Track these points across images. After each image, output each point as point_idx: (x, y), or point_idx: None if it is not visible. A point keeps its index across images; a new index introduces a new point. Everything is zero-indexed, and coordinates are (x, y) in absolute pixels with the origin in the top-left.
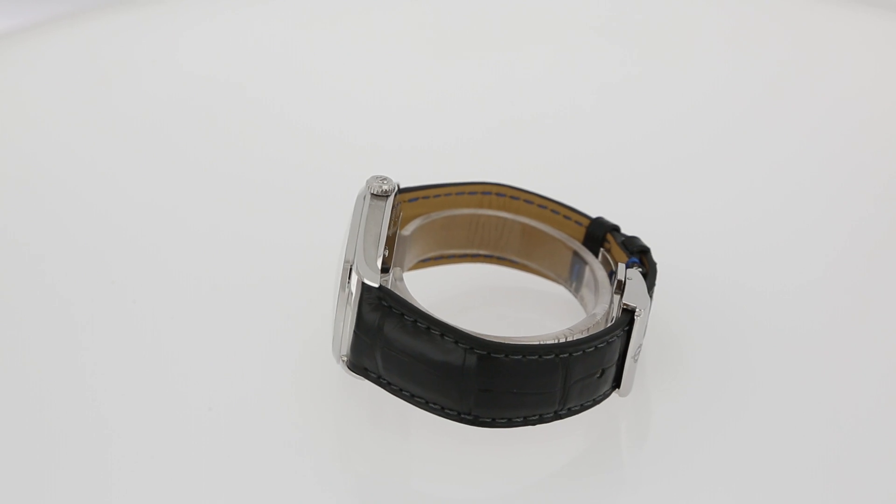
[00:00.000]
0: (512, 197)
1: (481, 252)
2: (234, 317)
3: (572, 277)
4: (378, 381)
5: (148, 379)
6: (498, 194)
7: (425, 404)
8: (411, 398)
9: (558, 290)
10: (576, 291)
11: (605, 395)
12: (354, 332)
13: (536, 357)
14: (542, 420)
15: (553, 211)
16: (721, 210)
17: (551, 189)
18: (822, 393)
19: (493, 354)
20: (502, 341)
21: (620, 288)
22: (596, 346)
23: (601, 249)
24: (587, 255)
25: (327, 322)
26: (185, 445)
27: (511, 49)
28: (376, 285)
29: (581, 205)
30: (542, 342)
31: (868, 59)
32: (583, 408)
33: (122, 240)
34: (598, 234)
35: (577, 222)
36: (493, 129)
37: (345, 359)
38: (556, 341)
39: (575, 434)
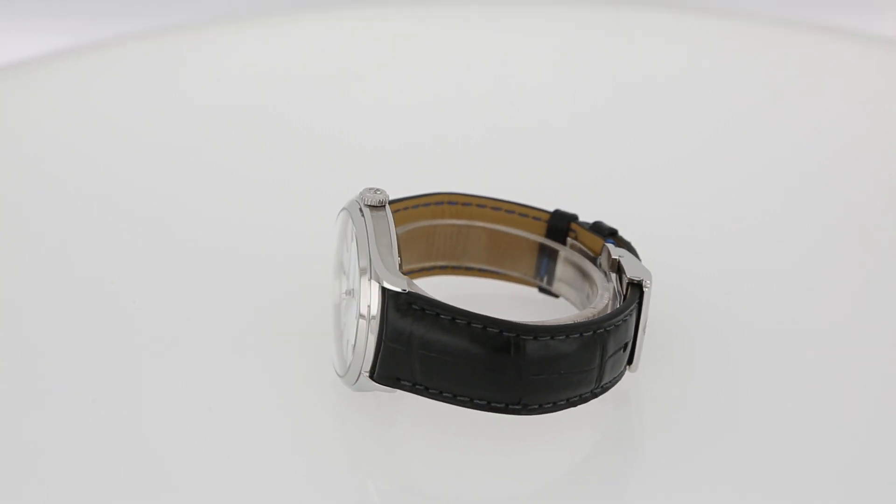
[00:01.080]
0: (464, 204)
1: (438, 264)
2: (233, 317)
3: (541, 273)
4: (413, 388)
5: (147, 378)
6: (450, 203)
7: (470, 402)
8: (454, 399)
9: (520, 292)
10: (548, 285)
11: (623, 373)
12: (384, 342)
13: (578, 336)
14: (581, 400)
15: (507, 211)
16: (720, 210)
17: (549, 189)
18: (824, 388)
19: (539, 338)
20: (545, 324)
21: (617, 266)
22: (623, 319)
23: (568, 239)
24: (558, 246)
25: (332, 341)
26: (183, 445)
27: (508, 53)
28: (403, 290)
29: (582, 205)
30: (576, 321)
31: (862, 71)
32: (612, 383)
33: (125, 239)
34: (562, 225)
35: (534, 218)
36: (491, 132)
37: (367, 373)
38: (587, 319)
39: (580, 431)
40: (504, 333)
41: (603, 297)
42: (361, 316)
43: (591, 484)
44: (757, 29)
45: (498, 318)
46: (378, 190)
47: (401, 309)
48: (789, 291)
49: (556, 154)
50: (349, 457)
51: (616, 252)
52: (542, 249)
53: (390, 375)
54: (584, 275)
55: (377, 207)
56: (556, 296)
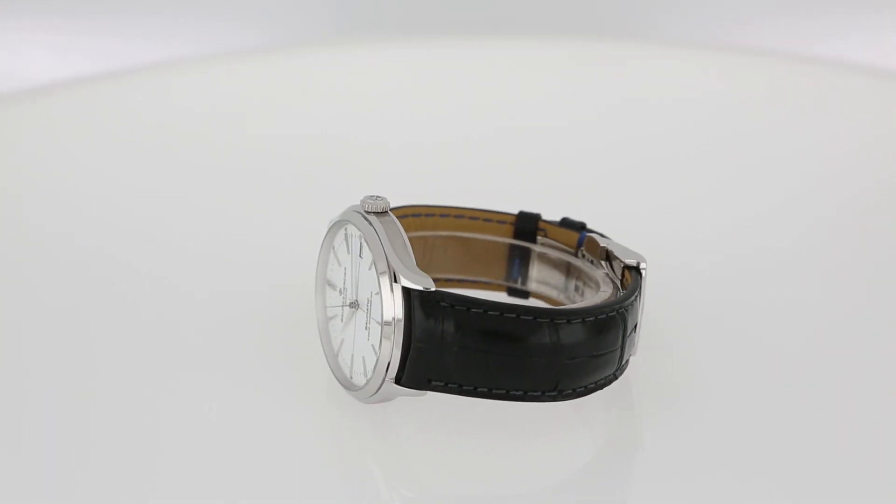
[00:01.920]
0: (427, 215)
1: None
2: (232, 323)
3: (514, 275)
4: (446, 388)
5: (147, 379)
6: (413, 215)
7: (506, 394)
8: (489, 393)
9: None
10: (522, 285)
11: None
12: (413, 344)
13: (605, 316)
14: (606, 382)
15: (471, 218)
16: (718, 210)
17: (549, 190)
18: (826, 387)
19: (572, 321)
20: (574, 307)
21: (606, 254)
22: (636, 298)
23: (538, 237)
24: (530, 245)
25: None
26: (185, 451)
27: (506, 76)
28: (429, 288)
29: (581, 207)
30: (598, 303)
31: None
32: (626, 364)
33: (130, 239)
34: (529, 226)
35: (499, 222)
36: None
37: (392, 379)
38: (609, 300)
39: (580, 432)
40: (538, 319)
41: (602, 284)
42: (385, 321)
43: (593, 486)
44: (742, 58)
45: (529, 306)
46: (378, 197)
47: (429, 308)
48: (789, 291)
49: (556, 154)
50: (351, 459)
51: (603, 241)
52: (513, 251)
53: (421, 377)
54: (569, 268)
55: (382, 213)
56: (527, 296)
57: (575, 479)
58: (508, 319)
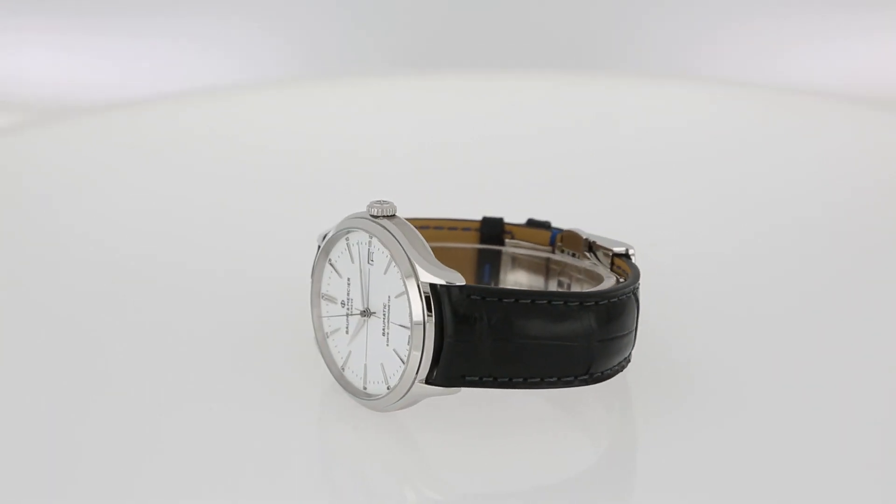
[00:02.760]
0: None
1: None
2: (232, 319)
3: (485, 280)
4: (480, 382)
5: (149, 378)
6: None
7: (541, 381)
8: (524, 382)
9: None
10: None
11: None
12: (445, 341)
13: (625, 297)
14: (625, 364)
15: (436, 227)
16: (716, 210)
17: (550, 189)
18: (828, 390)
19: (599, 303)
20: (598, 290)
21: (589, 245)
22: (638, 283)
23: (506, 240)
24: (499, 248)
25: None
26: (194, 456)
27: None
28: (456, 283)
29: (582, 208)
30: (616, 285)
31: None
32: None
33: (132, 232)
34: (494, 230)
35: (464, 229)
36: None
37: (422, 381)
38: (625, 283)
39: (579, 433)
40: (568, 304)
41: (600, 271)
42: (415, 322)
43: (595, 486)
44: (711, 88)
45: (557, 291)
46: (385, 201)
47: (460, 303)
48: (789, 290)
49: (555, 155)
50: (353, 461)
51: (585, 233)
52: (482, 255)
53: (455, 374)
54: (548, 266)
55: (392, 217)
56: None
57: (576, 479)
58: (541, 306)
